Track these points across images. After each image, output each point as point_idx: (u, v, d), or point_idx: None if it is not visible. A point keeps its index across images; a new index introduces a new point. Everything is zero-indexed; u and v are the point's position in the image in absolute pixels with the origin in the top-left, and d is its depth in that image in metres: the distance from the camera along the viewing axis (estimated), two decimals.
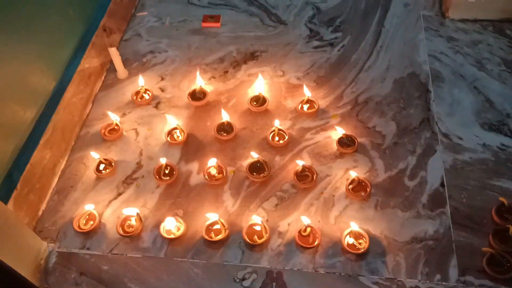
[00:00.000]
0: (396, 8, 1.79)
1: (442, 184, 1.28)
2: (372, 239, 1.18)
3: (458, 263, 1.14)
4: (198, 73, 1.55)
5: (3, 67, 1.21)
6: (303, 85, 1.50)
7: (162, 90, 1.58)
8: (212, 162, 1.33)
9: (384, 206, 1.23)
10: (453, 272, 1.13)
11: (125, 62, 1.66)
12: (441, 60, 1.59)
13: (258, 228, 1.21)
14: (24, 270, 1.13)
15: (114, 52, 1.57)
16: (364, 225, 1.21)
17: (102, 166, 1.37)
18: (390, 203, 1.24)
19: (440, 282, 1.11)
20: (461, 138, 1.37)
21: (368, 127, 1.41)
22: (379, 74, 1.55)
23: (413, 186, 1.27)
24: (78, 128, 1.48)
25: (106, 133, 1.45)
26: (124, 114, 1.52)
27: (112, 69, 1.64)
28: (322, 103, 1.49)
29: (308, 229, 1.19)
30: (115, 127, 1.46)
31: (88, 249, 1.22)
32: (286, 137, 1.39)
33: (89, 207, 1.27)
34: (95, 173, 1.36)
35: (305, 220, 1.18)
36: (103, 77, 1.64)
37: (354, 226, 1.17)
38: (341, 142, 1.35)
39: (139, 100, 1.53)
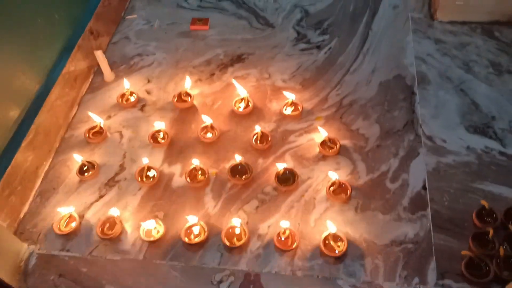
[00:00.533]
0: (385, 10, 1.79)
1: (424, 187, 1.27)
2: (351, 242, 1.17)
3: (437, 267, 1.13)
4: (187, 77, 1.56)
5: None
6: (285, 89, 1.52)
7: (148, 92, 1.59)
8: (195, 162, 1.33)
9: (365, 209, 1.23)
10: (432, 276, 1.12)
11: (113, 65, 1.67)
12: (428, 62, 1.59)
13: (237, 230, 1.21)
14: (3, 271, 1.14)
15: (100, 55, 1.58)
16: (343, 227, 1.20)
17: (85, 169, 1.37)
18: (370, 205, 1.23)
19: (418, 286, 1.11)
20: (445, 141, 1.37)
21: (352, 129, 1.40)
22: (364, 77, 1.54)
23: (395, 188, 1.26)
24: (62, 131, 1.49)
25: (90, 136, 1.46)
26: (109, 117, 1.52)
27: (99, 72, 1.65)
28: (307, 105, 1.49)
29: (287, 232, 1.18)
30: (99, 129, 1.47)
31: (68, 251, 1.22)
32: (269, 139, 1.39)
33: (66, 210, 1.27)
34: (78, 176, 1.36)
35: (284, 224, 1.18)
36: (90, 80, 1.64)
37: (332, 227, 1.17)
38: (324, 144, 1.36)
39: (125, 102, 1.54)
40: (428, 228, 1.20)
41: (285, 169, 1.31)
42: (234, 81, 1.52)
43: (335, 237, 1.17)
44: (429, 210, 1.23)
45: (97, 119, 1.47)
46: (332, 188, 1.26)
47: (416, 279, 1.12)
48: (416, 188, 1.27)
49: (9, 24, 1.31)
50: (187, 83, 1.54)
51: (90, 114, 1.47)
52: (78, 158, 1.37)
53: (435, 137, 1.38)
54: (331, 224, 1.16)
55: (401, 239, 1.18)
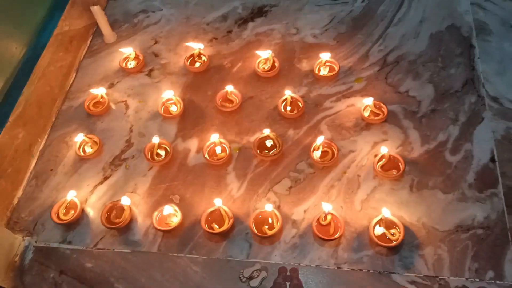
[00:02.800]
0: None
1: (492, 159, 1.12)
2: (407, 228, 1.04)
3: None
4: (191, 43, 1.42)
5: None
6: (317, 45, 1.39)
7: (156, 55, 1.46)
8: (214, 138, 1.20)
9: (421, 187, 1.10)
10: (510, 268, 0.97)
11: (114, 24, 1.54)
12: (487, 9, 1.41)
13: (268, 216, 1.08)
14: None
15: (98, 12, 1.42)
16: (397, 211, 1.07)
17: (86, 146, 1.25)
18: (428, 183, 1.10)
19: (493, 281, 0.97)
20: None
21: (400, 91, 1.27)
22: (411, 28, 1.41)
23: (456, 162, 1.13)
24: (59, 102, 1.36)
25: (91, 107, 1.34)
26: (112, 85, 1.40)
27: (99, 32, 1.52)
28: (343, 64, 1.35)
29: (329, 217, 1.05)
30: (101, 99, 1.34)
31: (69, 243, 1.11)
32: (301, 106, 1.25)
33: (70, 194, 1.15)
34: (78, 154, 1.24)
35: (325, 207, 1.04)
36: (88, 42, 1.51)
37: (385, 213, 1.03)
38: (367, 110, 1.23)
39: (129, 67, 1.41)
40: (501, 209, 1.05)
41: (323, 141, 1.17)
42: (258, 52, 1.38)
43: (388, 223, 1.04)
44: (500, 187, 1.08)
45: (98, 92, 1.34)
46: (380, 163, 1.12)
47: (490, 273, 0.97)
48: (482, 160, 1.12)
49: None
50: (195, 45, 1.41)
51: (91, 90, 1.35)
52: (79, 135, 1.25)
53: (502, 98, 1.22)
54: (385, 210, 1.03)
55: (468, 223, 1.04)
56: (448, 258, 0.99)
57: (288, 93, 1.25)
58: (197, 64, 1.38)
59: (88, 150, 1.24)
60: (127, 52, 1.42)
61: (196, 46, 1.40)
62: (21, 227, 1.14)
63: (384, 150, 1.12)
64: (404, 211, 1.06)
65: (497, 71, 1.26)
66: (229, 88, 1.29)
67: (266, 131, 1.19)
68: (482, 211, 1.04)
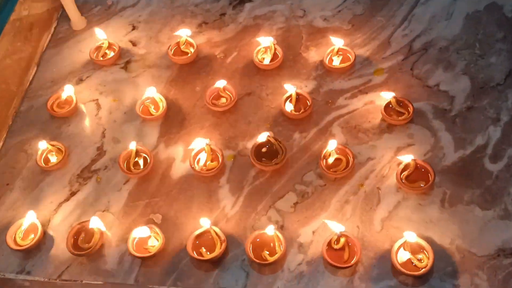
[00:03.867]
0: None
1: None
2: (438, 252, 1.04)
3: None
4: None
5: None
6: (328, 30, 1.42)
7: (134, 43, 1.50)
8: (202, 143, 1.22)
9: (455, 202, 1.11)
10: None
11: (83, 7, 1.60)
12: None
13: (269, 239, 1.09)
14: None
15: None
16: (425, 231, 1.08)
17: (49, 155, 1.28)
18: (463, 197, 1.11)
19: None
20: None
21: (429, 85, 1.29)
22: (443, 8, 1.43)
23: (498, 171, 1.14)
24: (17, 102, 1.40)
25: (55, 108, 1.36)
26: (80, 80, 1.43)
27: (64, 17, 1.56)
28: (361, 53, 1.37)
29: (342, 240, 1.06)
30: (68, 98, 1.37)
31: (28, 273, 1.13)
32: (309, 105, 1.27)
33: (30, 214, 1.17)
34: (40, 165, 1.26)
35: (336, 228, 1.05)
36: (52, 29, 1.56)
37: (410, 237, 1.03)
38: (389, 109, 1.24)
39: (101, 59, 1.44)
40: None
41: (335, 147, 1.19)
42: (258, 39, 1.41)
43: (415, 247, 1.04)
44: None
45: (67, 89, 1.37)
46: (405, 173, 1.14)
47: None
48: None
49: None
50: (182, 32, 1.43)
51: (66, 87, 1.38)
52: (42, 144, 1.27)
53: None
54: (410, 234, 1.04)
55: None
56: None
57: (292, 89, 1.27)
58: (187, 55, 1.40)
59: (52, 160, 1.26)
60: (100, 38, 1.44)
61: (182, 33, 1.42)
62: None
63: (408, 157, 1.13)
64: (434, 232, 1.07)
65: None
66: (222, 83, 1.31)
67: (264, 135, 1.21)
68: None
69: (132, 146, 1.23)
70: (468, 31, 1.36)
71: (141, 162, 1.23)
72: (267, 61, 1.36)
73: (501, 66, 1.28)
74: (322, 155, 1.17)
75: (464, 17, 1.39)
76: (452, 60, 1.31)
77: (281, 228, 1.11)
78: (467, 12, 1.40)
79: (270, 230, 1.08)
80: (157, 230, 1.12)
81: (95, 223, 1.13)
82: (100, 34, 1.45)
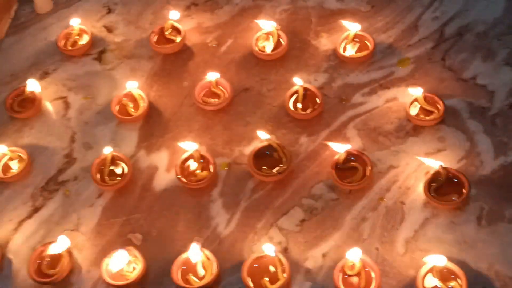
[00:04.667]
0: None
1: None
2: (473, 279, 1.05)
3: None
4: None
5: None
6: (342, 13, 1.43)
7: (109, 30, 1.52)
8: (190, 148, 1.24)
9: (494, 219, 1.12)
10: None
11: None
12: None
13: (270, 264, 1.10)
14: None
15: None
16: (458, 253, 1.08)
17: (9, 163, 1.30)
18: (505, 213, 1.12)
19: None
20: None
21: (464, 78, 1.31)
22: None
23: None
24: None
25: (16, 107, 1.38)
26: (46, 74, 1.46)
27: None
28: (382, 39, 1.39)
29: (358, 265, 1.07)
30: (30, 95, 1.39)
31: None
32: (319, 102, 1.28)
33: None
34: None
35: (352, 252, 1.06)
36: (12, 13, 1.58)
37: (440, 259, 1.03)
38: (416, 107, 1.25)
39: (70, 48, 1.47)
40: None
41: (349, 153, 1.20)
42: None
43: (445, 273, 1.05)
44: None
45: (30, 85, 1.39)
46: (434, 185, 1.15)
47: None
48: None
49: None
50: (172, 15, 1.45)
51: (29, 82, 1.39)
52: (2, 149, 1.30)
53: None
54: (439, 257, 1.05)
55: None
56: None
57: (299, 82, 1.28)
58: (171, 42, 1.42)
59: (11, 169, 1.28)
60: (70, 23, 1.46)
61: (173, 16, 1.44)
62: None
63: (436, 163, 1.15)
64: (469, 255, 1.08)
65: None
66: (214, 75, 1.33)
67: (264, 135, 1.22)
68: None
69: (107, 151, 1.25)
70: (511, 14, 1.38)
71: (118, 171, 1.25)
72: (268, 50, 1.38)
73: None
74: (334, 163, 1.19)
75: None
76: (492, 47, 1.33)
77: (284, 250, 1.12)
78: None
79: (272, 252, 1.09)
80: (136, 253, 1.13)
81: (63, 243, 1.14)
82: (74, 20, 1.47)
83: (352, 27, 1.36)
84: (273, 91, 1.34)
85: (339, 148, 1.20)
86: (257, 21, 1.41)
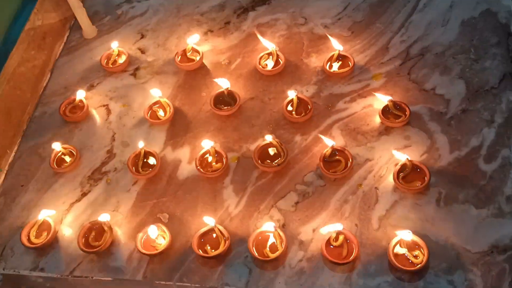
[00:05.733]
0: None
1: None
2: (433, 250, 1.04)
3: None
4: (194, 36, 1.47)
5: None
6: (331, 35, 1.41)
7: (142, 51, 1.51)
8: (207, 145, 1.23)
9: (450, 201, 1.11)
10: None
11: (94, 17, 1.60)
12: None
13: (271, 237, 1.10)
14: None
15: (75, 3, 1.48)
16: (421, 229, 1.08)
17: (62, 157, 1.30)
18: (458, 196, 1.11)
19: None
20: None
21: (425, 89, 1.29)
22: (439, 15, 1.43)
23: (492, 171, 1.14)
24: (31, 108, 1.42)
25: (68, 113, 1.38)
26: (91, 86, 1.44)
27: (77, 26, 1.57)
28: (359, 59, 1.37)
29: (341, 238, 1.07)
30: (79, 104, 1.38)
31: (42, 270, 1.14)
32: (310, 108, 1.27)
33: (43, 214, 1.19)
34: (53, 167, 1.28)
35: (334, 227, 1.06)
36: (64, 38, 1.57)
37: (405, 234, 1.04)
38: (387, 112, 1.25)
39: (111, 66, 1.46)
40: None
41: (334, 148, 1.19)
42: (259, 37, 1.43)
43: (410, 244, 1.05)
44: None
45: (79, 95, 1.39)
46: (402, 174, 1.14)
47: None
48: None
49: None
50: (193, 38, 1.44)
51: (78, 92, 1.39)
52: (55, 145, 1.29)
53: None
54: (405, 233, 1.05)
55: (506, 243, 1.04)
56: (482, 284, 1.00)
57: (293, 94, 1.28)
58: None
59: (64, 162, 1.28)
60: (111, 46, 1.46)
61: (191, 41, 1.43)
62: None
63: (403, 156, 1.14)
64: (430, 230, 1.07)
65: None
66: (225, 83, 1.33)
67: (268, 138, 1.21)
68: None
69: (140, 145, 1.24)
70: (464, 37, 1.36)
71: (150, 162, 1.25)
72: (269, 67, 1.37)
73: (495, 70, 1.28)
74: (322, 157, 1.18)
75: (460, 24, 1.39)
76: (448, 64, 1.31)
77: (282, 226, 1.12)
78: (462, 19, 1.39)
79: (272, 228, 1.09)
80: (164, 228, 1.13)
81: (104, 217, 1.15)
82: (111, 43, 1.47)
83: (336, 47, 1.34)
84: (273, 100, 1.33)
85: (328, 142, 1.19)
86: (260, 38, 1.41)
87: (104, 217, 1.15)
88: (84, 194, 1.24)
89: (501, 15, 1.38)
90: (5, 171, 1.30)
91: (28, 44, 1.40)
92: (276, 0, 1.54)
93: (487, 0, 1.42)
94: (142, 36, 1.53)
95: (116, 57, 1.46)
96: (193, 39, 1.44)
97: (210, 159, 1.23)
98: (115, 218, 1.18)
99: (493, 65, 1.29)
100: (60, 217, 1.20)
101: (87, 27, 1.53)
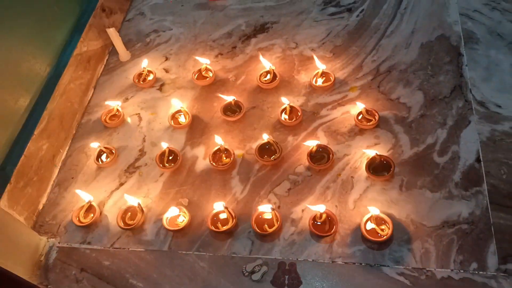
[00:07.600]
0: None
1: (477, 159, 1.15)
2: (397, 225, 1.08)
3: (498, 250, 1.02)
4: (201, 58, 1.49)
5: None
6: (314, 56, 1.41)
7: (167, 70, 1.52)
8: (218, 140, 1.26)
9: (410, 187, 1.13)
10: (492, 260, 1.01)
11: (128, 44, 1.63)
12: (475, 19, 1.44)
13: (268, 216, 1.13)
14: (21, 268, 1.09)
15: (113, 33, 1.51)
16: (387, 209, 1.11)
17: (103, 155, 1.32)
18: (417, 183, 1.14)
19: (476, 272, 1.00)
20: (499, 106, 1.23)
21: (391, 98, 1.31)
22: (403, 39, 1.44)
23: (444, 162, 1.16)
24: (79, 116, 1.44)
25: (107, 120, 1.41)
26: (126, 99, 1.47)
27: (114, 51, 1.60)
28: (339, 75, 1.39)
29: (324, 216, 1.10)
30: (117, 113, 1.41)
31: (89, 243, 1.18)
32: (299, 114, 1.30)
33: (85, 196, 1.23)
34: (96, 163, 1.31)
35: (318, 208, 1.10)
36: (105, 61, 1.59)
37: (375, 210, 1.07)
38: (361, 117, 1.26)
39: (142, 82, 1.48)
40: (485, 206, 1.08)
41: (318, 146, 1.22)
42: (261, 58, 1.44)
43: (378, 220, 1.08)
44: (485, 185, 1.11)
45: (114, 104, 1.42)
46: (372, 166, 1.17)
47: (474, 265, 1.01)
48: (468, 161, 1.16)
49: (15, 4, 1.23)
50: (203, 60, 1.47)
51: (107, 102, 1.43)
52: (94, 145, 1.33)
53: (487, 103, 1.25)
54: (374, 209, 1.07)
55: (454, 219, 1.07)
56: (435, 252, 1.03)
57: (286, 102, 1.30)
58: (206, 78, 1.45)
59: (105, 159, 1.31)
60: (142, 67, 1.49)
61: (203, 61, 1.46)
62: (45, 230, 1.22)
63: (373, 152, 1.16)
64: (394, 209, 1.10)
65: (483, 77, 1.30)
66: (230, 99, 1.35)
67: (265, 137, 1.24)
68: (467, 207, 1.08)
69: (164, 145, 1.27)
70: (423, 57, 1.38)
71: (174, 158, 1.27)
72: (267, 82, 1.38)
73: (448, 83, 1.30)
74: (308, 153, 1.21)
75: (420, 46, 1.40)
76: (409, 79, 1.33)
77: (278, 207, 1.15)
78: (422, 42, 1.41)
79: (269, 209, 1.12)
80: (185, 210, 1.17)
81: (132, 200, 1.19)
82: (144, 62, 1.49)
83: (320, 66, 1.36)
84: (270, 108, 1.35)
85: (312, 143, 1.21)
86: (261, 57, 1.42)
87: (134, 201, 1.18)
88: (121, 184, 1.27)
89: (453, 39, 1.41)
90: (58, 167, 1.34)
91: (76, 66, 1.43)
92: (273, 28, 1.56)
93: (442, 27, 1.44)
94: (166, 59, 1.55)
95: (146, 75, 1.48)
96: (202, 61, 1.46)
97: (221, 155, 1.26)
98: (146, 202, 1.21)
99: (446, 79, 1.31)
100: (103, 201, 1.24)
101: (123, 52, 1.56)
